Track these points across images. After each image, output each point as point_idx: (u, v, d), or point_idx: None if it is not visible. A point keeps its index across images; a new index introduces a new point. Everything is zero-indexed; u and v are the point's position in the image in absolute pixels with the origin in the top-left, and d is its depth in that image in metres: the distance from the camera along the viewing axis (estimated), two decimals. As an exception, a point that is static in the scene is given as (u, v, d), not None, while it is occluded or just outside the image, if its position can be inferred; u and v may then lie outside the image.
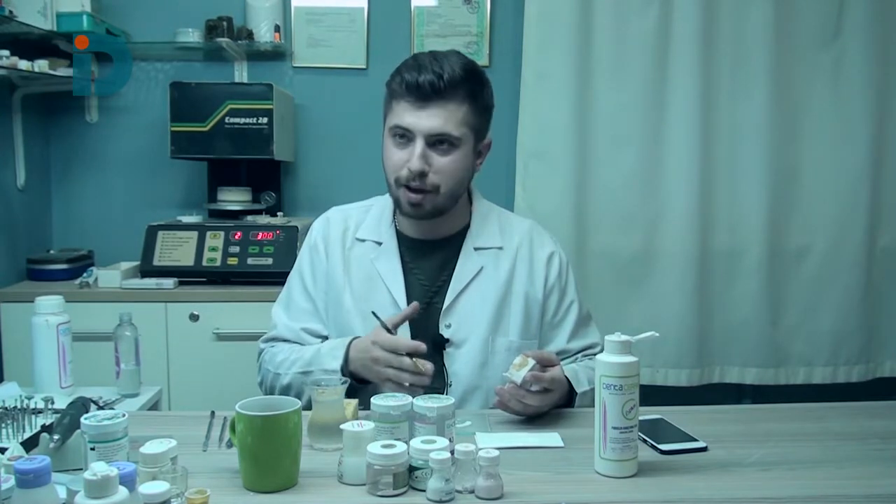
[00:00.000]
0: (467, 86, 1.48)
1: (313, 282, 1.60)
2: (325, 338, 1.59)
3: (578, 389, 1.45)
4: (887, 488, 1.10)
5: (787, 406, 1.54)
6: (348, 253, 1.60)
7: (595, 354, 1.57)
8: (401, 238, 1.60)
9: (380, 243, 1.59)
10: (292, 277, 1.65)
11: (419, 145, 1.47)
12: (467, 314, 1.54)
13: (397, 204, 1.54)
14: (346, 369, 1.45)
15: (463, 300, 1.55)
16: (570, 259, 1.70)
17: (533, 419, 1.39)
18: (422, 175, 1.47)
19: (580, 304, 1.63)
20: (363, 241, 1.60)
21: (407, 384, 1.38)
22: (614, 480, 1.14)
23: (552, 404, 1.40)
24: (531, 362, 1.33)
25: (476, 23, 2.83)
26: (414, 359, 1.38)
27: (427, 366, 1.38)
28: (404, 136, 1.48)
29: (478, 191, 1.66)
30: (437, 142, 1.48)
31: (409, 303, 1.54)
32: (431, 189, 1.49)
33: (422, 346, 1.40)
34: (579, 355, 1.60)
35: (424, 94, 1.45)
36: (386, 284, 1.55)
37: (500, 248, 1.59)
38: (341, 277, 1.58)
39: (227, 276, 2.42)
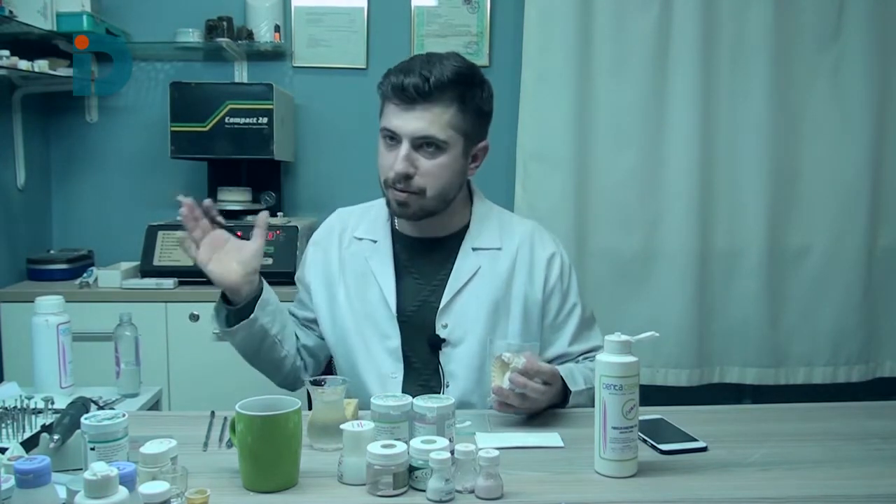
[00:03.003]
0: (456, 88, 1.47)
1: (312, 275, 1.63)
2: (308, 323, 1.64)
3: (573, 388, 1.44)
4: (887, 488, 1.10)
5: (787, 406, 1.54)
6: (345, 252, 1.61)
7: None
8: (399, 237, 1.60)
9: (375, 241, 1.60)
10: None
11: (404, 148, 1.47)
12: (464, 314, 1.54)
13: (388, 204, 1.55)
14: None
15: (460, 300, 1.55)
16: (571, 259, 1.69)
17: (533, 419, 1.39)
18: (407, 177, 1.48)
19: (583, 307, 1.62)
20: (360, 239, 1.61)
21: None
22: (614, 480, 1.14)
23: (550, 400, 1.40)
24: (517, 361, 1.32)
25: (476, 23, 2.83)
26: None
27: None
28: (392, 138, 1.49)
29: (479, 191, 1.66)
30: (424, 144, 1.48)
31: (398, 303, 1.55)
32: (417, 191, 1.49)
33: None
34: (580, 358, 1.60)
35: (409, 97, 1.45)
36: (378, 282, 1.56)
37: (499, 249, 1.59)
38: (336, 274, 1.60)
39: (228, 276, 2.41)
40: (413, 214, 1.52)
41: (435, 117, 1.46)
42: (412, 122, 1.46)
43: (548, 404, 1.40)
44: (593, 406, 1.47)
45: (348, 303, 1.58)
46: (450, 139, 1.49)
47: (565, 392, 1.44)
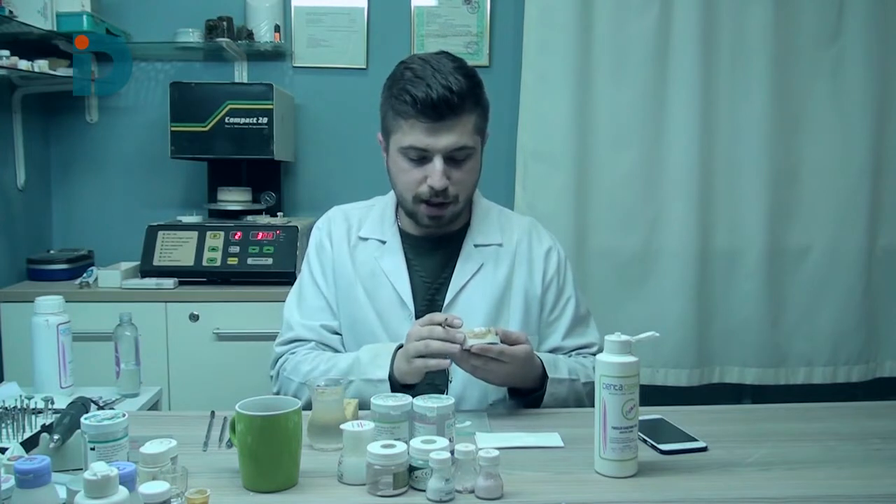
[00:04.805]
0: (473, 92, 1.47)
1: (324, 279, 1.60)
2: (339, 334, 1.58)
3: (552, 375, 1.45)
4: (887, 488, 1.10)
5: (787, 406, 1.54)
6: (353, 250, 1.60)
7: (591, 354, 1.58)
8: (403, 236, 1.60)
9: (384, 242, 1.59)
10: (303, 277, 1.64)
11: (438, 163, 1.46)
12: (468, 311, 1.53)
13: (413, 217, 1.54)
14: (392, 377, 1.42)
15: (463, 297, 1.55)
16: (570, 259, 1.69)
17: (533, 419, 1.39)
18: (444, 190, 1.47)
19: (578, 302, 1.63)
20: (366, 239, 1.61)
21: (435, 349, 1.33)
22: (614, 480, 1.14)
23: (505, 377, 1.40)
24: (491, 338, 1.33)
25: (476, 23, 2.83)
26: (445, 325, 1.35)
27: (458, 336, 1.33)
28: (420, 154, 1.48)
29: (478, 190, 1.66)
30: (455, 154, 1.47)
31: (414, 300, 1.54)
32: (452, 200, 1.50)
33: (457, 318, 1.36)
34: (573, 353, 1.60)
35: (440, 113, 1.43)
36: (391, 282, 1.55)
37: (500, 245, 1.59)
38: (351, 273, 1.58)
39: (227, 276, 2.42)
40: (446, 223, 1.54)
41: (464, 127, 1.46)
42: (445, 137, 1.45)
43: (508, 381, 1.42)
44: (575, 401, 1.49)
45: (370, 302, 1.56)
46: (475, 143, 1.50)
47: (543, 379, 1.45)
